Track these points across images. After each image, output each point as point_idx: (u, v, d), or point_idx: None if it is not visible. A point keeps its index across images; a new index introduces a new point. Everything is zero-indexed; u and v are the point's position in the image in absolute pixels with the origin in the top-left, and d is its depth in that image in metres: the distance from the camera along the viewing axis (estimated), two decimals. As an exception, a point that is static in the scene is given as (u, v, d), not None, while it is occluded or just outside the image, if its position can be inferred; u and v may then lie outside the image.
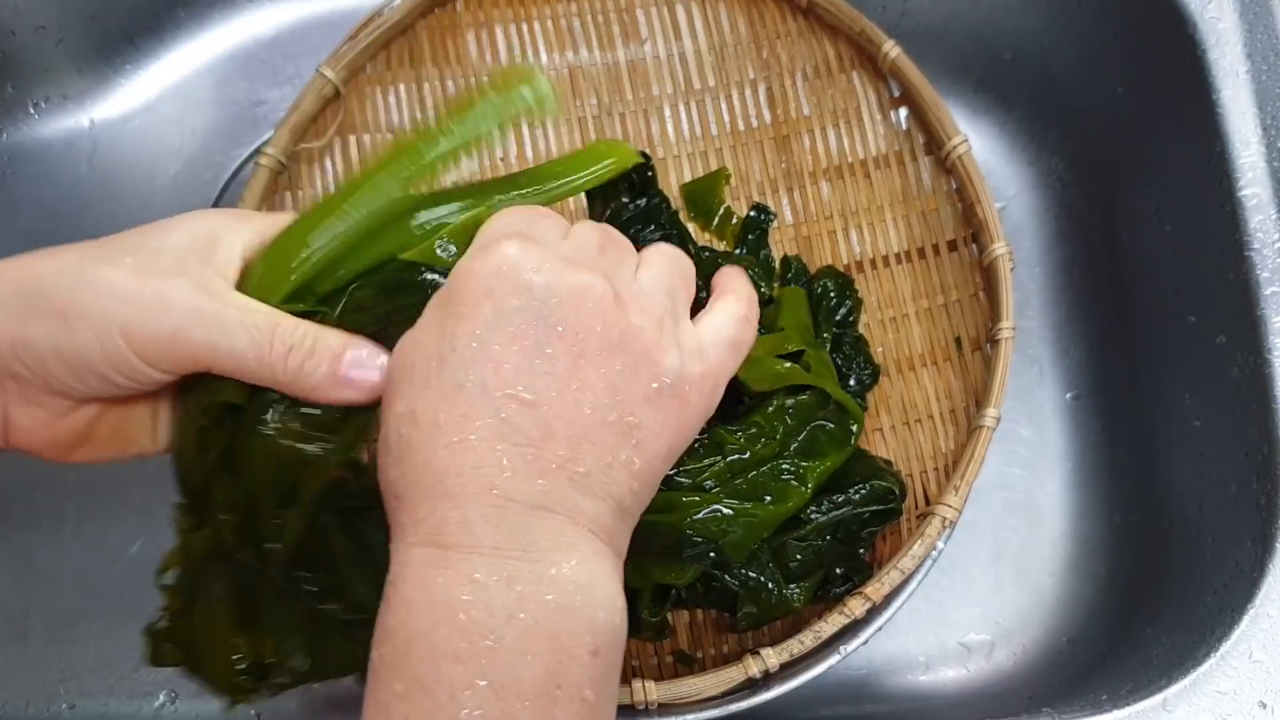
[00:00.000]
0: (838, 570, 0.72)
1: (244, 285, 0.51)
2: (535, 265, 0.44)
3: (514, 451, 0.42)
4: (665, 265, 0.51)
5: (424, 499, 0.42)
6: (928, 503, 0.75)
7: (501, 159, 0.84)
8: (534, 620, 0.40)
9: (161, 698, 0.86)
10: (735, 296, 0.56)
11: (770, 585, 0.69)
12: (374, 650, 0.42)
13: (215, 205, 0.97)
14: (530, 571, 0.40)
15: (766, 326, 0.71)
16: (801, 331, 0.72)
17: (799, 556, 0.71)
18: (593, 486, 0.44)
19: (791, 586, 0.70)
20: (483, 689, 0.38)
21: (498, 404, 0.42)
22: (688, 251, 0.76)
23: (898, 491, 0.72)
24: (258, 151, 0.77)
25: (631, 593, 0.69)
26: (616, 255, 0.49)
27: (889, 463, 0.76)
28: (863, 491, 0.71)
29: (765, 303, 0.76)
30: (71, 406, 0.50)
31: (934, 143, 0.80)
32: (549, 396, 0.43)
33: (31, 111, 1.00)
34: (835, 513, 0.70)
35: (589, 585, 0.42)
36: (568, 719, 0.39)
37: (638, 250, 0.53)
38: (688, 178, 0.84)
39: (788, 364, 0.67)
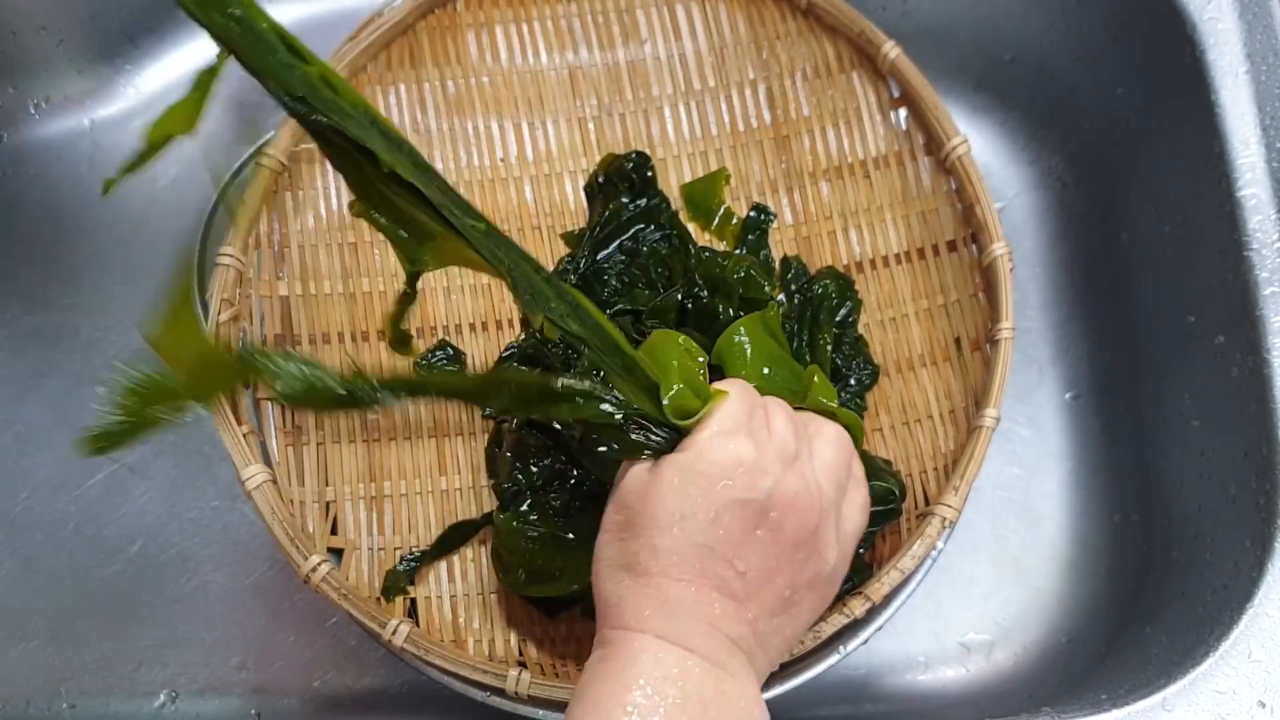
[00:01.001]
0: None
1: None
2: (764, 469, 0.54)
3: (724, 602, 0.54)
4: (836, 458, 0.60)
5: (652, 611, 0.53)
6: (927, 503, 0.75)
7: (502, 159, 0.84)
8: (728, 709, 0.52)
9: (162, 697, 0.86)
10: (861, 483, 0.63)
11: None
12: (591, 686, 0.52)
13: (215, 206, 0.97)
14: (729, 681, 0.52)
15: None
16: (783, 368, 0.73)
17: None
18: (765, 643, 0.56)
19: None
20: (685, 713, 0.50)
21: (719, 566, 0.53)
22: (687, 251, 0.76)
23: (897, 493, 0.72)
24: (258, 152, 0.77)
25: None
26: (805, 449, 0.58)
27: (888, 463, 0.76)
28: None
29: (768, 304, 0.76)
30: None
31: (933, 143, 0.80)
32: (753, 570, 0.54)
33: (32, 112, 1.00)
34: None
35: (760, 705, 0.54)
36: None
37: None
38: (688, 178, 0.84)
39: None
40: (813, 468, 0.58)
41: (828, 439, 0.60)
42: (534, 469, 0.73)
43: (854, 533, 0.61)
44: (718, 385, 0.59)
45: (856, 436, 0.65)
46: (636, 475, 0.56)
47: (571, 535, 0.70)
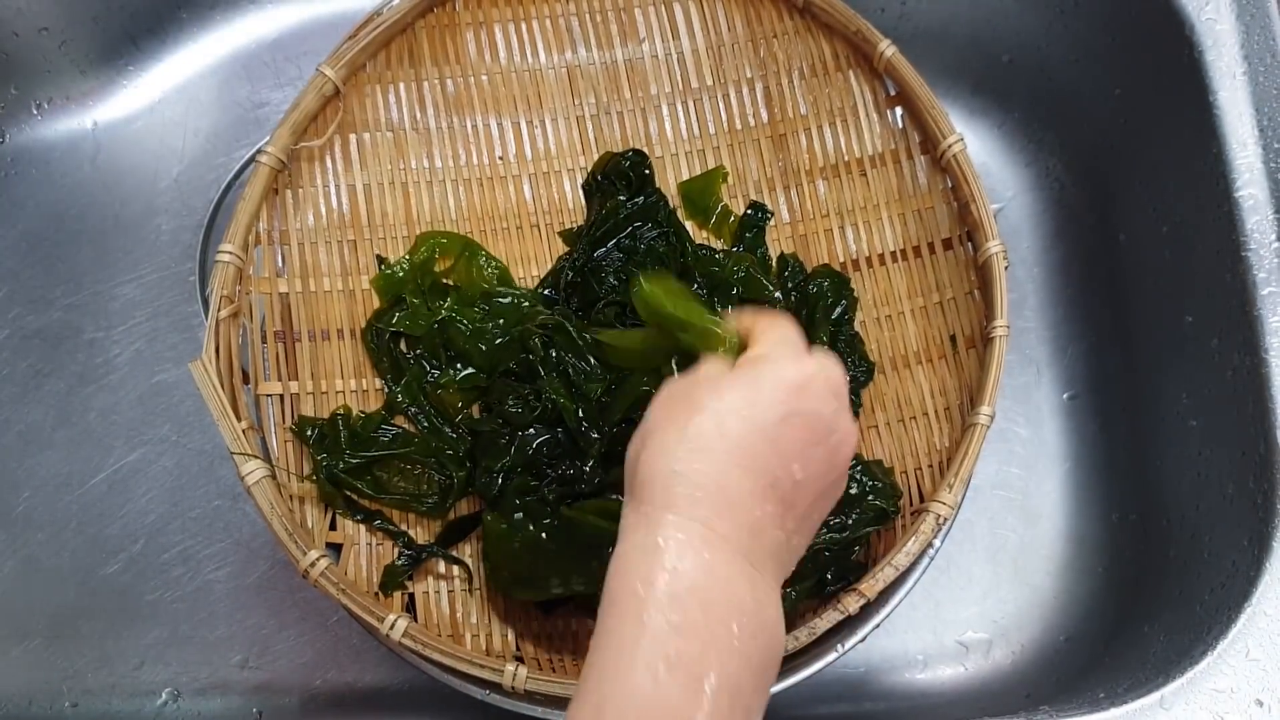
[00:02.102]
0: (829, 574, 0.73)
1: None
2: (835, 393, 0.55)
3: (775, 505, 0.52)
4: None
5: (706, 496, 0.50)
6: (922, 500, 0.75)
7: (501, 157, 0.84)
8: (759, 613, 0.50)
9: (164, 695, 0.86)
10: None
11: None
12: (634, 583, 0.49)
13: (217, 206, 0.97)
14: (761, 585, 0.51)
15: None
16: None
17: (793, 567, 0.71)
18: (789, 556, 0.54)
19: (786, 589, 0.71)
20: (723, 639, 0.48)
21: (780, 466, 0.52)
22: (684, 250, 0.77)
23: (892, 510, 0.73)
24: (260, 151, 0.78)
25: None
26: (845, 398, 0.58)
27: (879, 463, 0.76)
28: (858, 515, 0.72)
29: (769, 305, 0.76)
30: None
31: (929, 142, 0.80)
32: (807, 481, 0.53)
33: (35, 113, 1.01)
34: (835, 535, 0.71)
35: (779, 610, 0.52)
36: (749, 680, 0.48)
37: None
38: (685, 176, 0.84)
39: None
40: (846, 418, 0.57)
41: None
42: (517, 458, 0.74)
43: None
44: (761, 318, 0.59)
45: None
46: (713, 363, 0.57)
47: (555, 547, 0.70)
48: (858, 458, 0.75)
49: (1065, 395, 0.95)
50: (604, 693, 0.46)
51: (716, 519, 0.50)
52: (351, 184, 0.82)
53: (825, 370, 0.55)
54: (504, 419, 0.74)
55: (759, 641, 0.49)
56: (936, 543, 0.72)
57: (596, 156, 0.83)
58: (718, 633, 0.47)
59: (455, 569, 0.75)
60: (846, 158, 0.83)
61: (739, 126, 0.85)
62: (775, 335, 0.57)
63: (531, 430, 0.73)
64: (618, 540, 0.51)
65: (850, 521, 0.72)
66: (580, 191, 0.83)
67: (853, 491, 0.73)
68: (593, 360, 0.73)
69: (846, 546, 0.73)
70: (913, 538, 0.69)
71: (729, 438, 0.51)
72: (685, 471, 0.50)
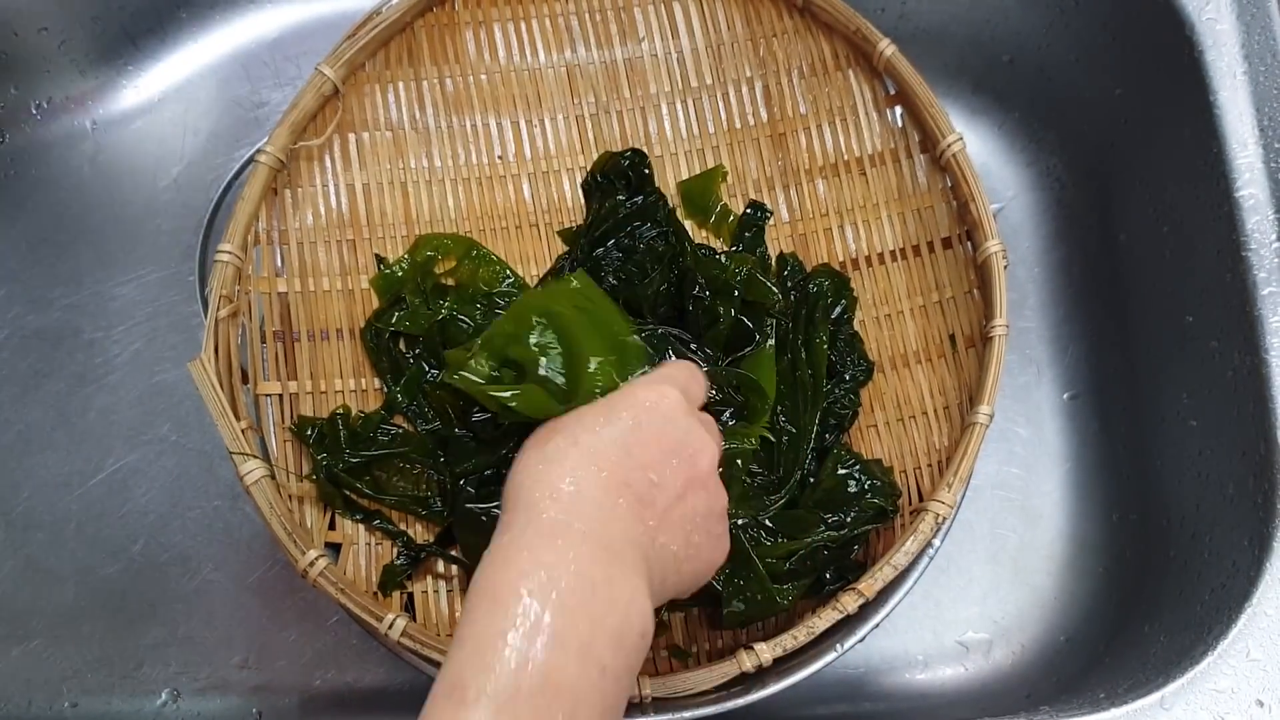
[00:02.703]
0: (828, 573, 0.73)
1: None
2: (686, 411, 0.61)
3: (631, 504, 0.56)
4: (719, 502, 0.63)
5: (560, 495, 0.54)
6: (921, 499, 0.75)
7: (500, 157, 0.84)
8: (612, 595, 0.52)
9: (163, 696, 0.86)
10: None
11: (756, 584, 0.70)
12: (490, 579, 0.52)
13: (217, 206, 0.97)
14: (617, 566, 0.53)
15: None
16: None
17: (791, 566, 0.71)
18: (660, 561, 0.57)
19: (785, 586, 0.71)
20: (575, 617, 0.50)
21: (633, 470, 0.57)
22: (683, 249, 0.76)
23: (891, 509, 0.73)
24: (259, 151, 0.78)
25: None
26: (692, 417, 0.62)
27: (879, 462, 0.76)
28: (857, 514, 0.72)
29: (773, 308, 0.76)
30: None
31: (929, 141, 0.81)
32: (662, 486, 0.57)
33: (34, 113, 1.01)
34: (833, 534, 0.71)
35: (645, 603, 0.54)
36: (619, 662, 0.52)
37: None
38: (684, 175, 0.84)
39: None
40: (709, 456, 0.61)
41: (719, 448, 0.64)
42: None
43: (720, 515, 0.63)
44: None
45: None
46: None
47: None
48: (856, 456, 0.75)
49: (1065, 395, 0.95)
50: (463, 665, 0.48)
51: (569, 513, 0.54)
52: (350, 183, 0.82)
53: (673, 394, 0.61)
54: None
55: (613, 613, 0.52)
56: (936, 542, 0.72)
57: (596, 156, 0.83)
58: (569, 603, 0.50)
59: (454, 568, 0.75)
60: (846, 157, 0.83)
61: (738, 126, 0.85)
62: (651, 376, 0.64)
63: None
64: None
65: (849, 520, 0.73)
66: (579, 191, 0.83)
67: (851, 490, 0.73)
68: None
69: (845, 546, 0.73)
70: (912, 537, 0.69)
71: (581, 447, 0.57)
72: (542, 479, 0.56)
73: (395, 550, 0.74)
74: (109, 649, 0.88)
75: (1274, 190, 0.79)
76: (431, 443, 0.76)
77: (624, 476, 0.56)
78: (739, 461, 0.71)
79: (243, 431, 0.70)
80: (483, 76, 0.85)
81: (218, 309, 0.73)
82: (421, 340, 0.78)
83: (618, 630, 0.52)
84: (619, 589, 0.53)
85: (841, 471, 0.74)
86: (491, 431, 0.72)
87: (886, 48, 0.80)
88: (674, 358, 0.73)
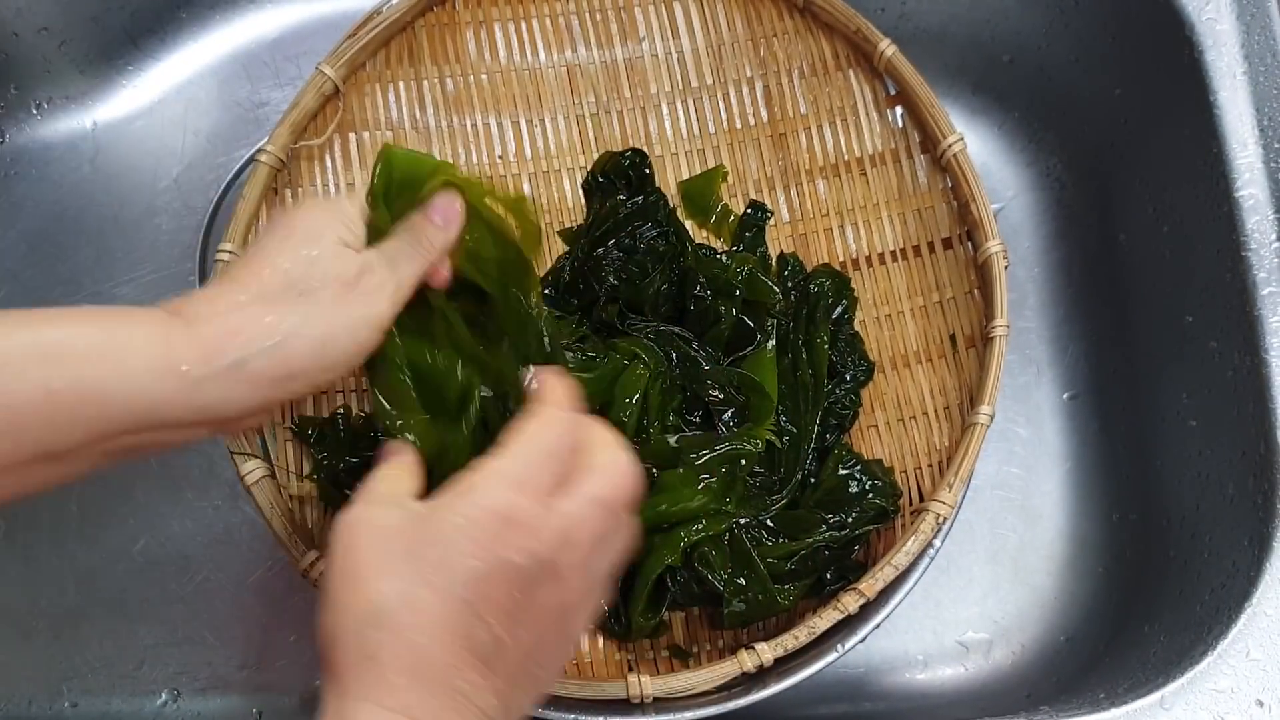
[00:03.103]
0: (829, 574, 0.73)
1: None
2: (541, 536, 0.49)
3: (477, 667, 0.48)
4: (618, 547, 0.54)
5: (396, 670, 0.47)
6: (922, 499, 0.75)
7: (500, 156, 0.84)
8: None
9: (164, 696, 0.86)
10: (623, 526, 0.55)
11: (758, 584, 0.70)
12: None
13: (217, 207, 0.97)
14: None
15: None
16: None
17: (792, 566, 0.71)
18: (513, 710, 0.50)
19: (786, 586, 0.71)
20: None
21: (478, 629, 0.47)
22: (684, 249, 0.77)
23: (892, 509, 0.73)
24: (259, 151, 0.78)
25: (625, 596, 0.70)
26: (600, 542, 0.52)
27: (879, 462, 0.76)
28: (858, 514, 0.72)
29: (774, 308, 0.76)
30: None
31: (929, 141, 0.81)
32: (510, 639, 0.48)
33: (34, 113, 1.01)
34: (834, 534, 0.71)
35: None
36: None
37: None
38: (685, 175, 0.84)
39: None
40: (593, 560, 0.52)
41: (617, 532, 0.54)
42: None
43: (603, 577, 0.55)
44: (537, 404, 0.55)
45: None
46: (400, 507, 0.52)
47: None
48: (857, 457, 0.75)
49: (1065, 395, 0.95)
50: None
51: (414, 705, 0.46)
52: (351, 183, 0.82)
53: (544, 507, 0.50)
54: None
55: None
56: (936, 542, 0.72)
57: (596, 155, 0.83)
58: None
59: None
60: (846, 157, 0.83)
61: (739, 125, 0.85)
62: (513, 446, 0.52)
63: None
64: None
65: (850, 520, 0.73)
66: (580, 191, 0.83)
67: (852, 491, 0.73)
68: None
69: (846, 546, 0.73)
70: (912, 537, 0.69)
71: (419, 611, 0.47)
72: (375, 654, 0.47)
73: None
74: (109, 649, 0.88)
75: (1274, 190, 0.79)
76: None
77: (468, 641, 0.48)
78: (742, 462, 0.71)
79: (243, 431, 0.70)
80: (483, 76, 0.85)
81: (218, 308, 0.73)
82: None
83: None
84: None
85: (842, 472, 0.74)
86: None
87: (887, 48, 0.80)
88: (675, 357, 0.73)
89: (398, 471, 0.55)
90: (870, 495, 0.73)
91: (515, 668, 0.49)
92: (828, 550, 0.72)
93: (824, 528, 0.72)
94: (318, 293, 0.55)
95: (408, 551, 0.48)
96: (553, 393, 0.56)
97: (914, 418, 0.78)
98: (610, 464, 0.53)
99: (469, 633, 0.47)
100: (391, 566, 0.48)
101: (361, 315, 0.56)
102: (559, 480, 0.51)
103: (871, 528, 0.73)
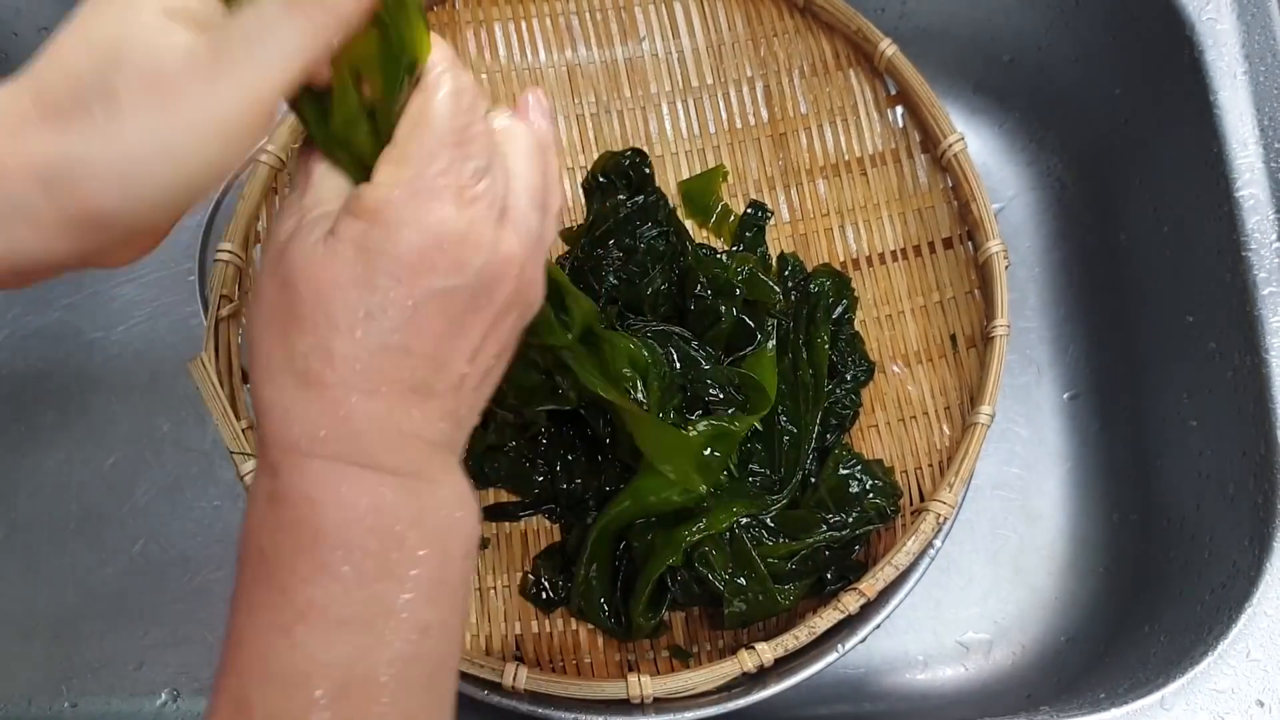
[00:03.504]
0: (829, 574, 0.73)
1: None
2: (475, 243, 0.44)
3: (422, 404, 0.44)
4: (537, 177, 0.49)
5: (329, 431, 0.43)
6: (922, 499, 0.75)
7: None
8: (429, 528, 0.44)
9: (163, 696, 0.86)
10: (554, 187, 0.51)
11: (758, 584, 0.70)
12: (260, 534, 0.44)
13: (217, 206, 0.97)
14: (428, 491, 0.45)
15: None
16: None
17: (793, 566, 0.71)
18: (467, 422, 0.48)
19: (786, 586, 0.71)
20: (388, 577, 0.43)
21: (416, 365, 0.43)
22: (684, 249, 0.77)
23: (892, 509, 0.73)
24: (258, 151, 0.78)
25: (626, 596, 0.70)
26: (501, 168, 0.47)
27: (880, 462, 0.76)
28: (858, 514, 0.72)
29: (774, 308, 0.76)
30: None
31: (930, 140, 0.81)
32: (459, 358, 0.45)
33: (34, 112, 1.00)
34: (834, 534, 0.71)
35: (464, 501, 0.47)
36: (447, 607, 0.45)
37: None
38: (685, 175, 0.84)
39: None
40: (509, 189, 0.47)
41: (528, 149, 0.49)
42: None
43: (547, 248, 0.50)
44: (429, 72, 0.45)
45: None
46: (309, 249, 0.44)
47: None
48: (858, 457, 0.75)
49: (1066, 395, 0.95)
50: (242, 667, 0.43)
51: (348, 451, 0.43)
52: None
53: (467, 205, 0.44)
54: None
55: (433, 546, 0.44)
56: (937, 543, 0.72)
57: (596, 155, 0.83)
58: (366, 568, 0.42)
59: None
60: (847, 157, 0.83)
61: (739, 125, 0.85)
62: (410, 144, 0.44)
63: None
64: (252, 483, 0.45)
65: (850, 520, 0.73)
66: (580, 190, 0.83)
67: (853, 490, 0.73)
68: None
69: (846, 546, 0.73)
70: (913, 537, 0.69)
71: (339, 364, 0.42)
72: (301, 415, 0.43)
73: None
74: (109, 649, 0.88)
75: (1274, 190, 0.79)
76: None
77: (408, 383, 0.44)
78: (723, 444, 0.71)
79: (243, 431, 0.70)
80: (483, 75, 0.85)
81: (218, 308, 0.73)
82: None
83: (440, 568, 0.44)
84: (430, 515, 0.45)
85: (843, 472, 0.74)
86: None
87: (887, 47, 0.80)
88: (675, 356, 0.73)
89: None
90: (870, 495, 0.73)
91: (473, 378, 0.46)
92: (828, 550, 0.72)
93: (824, 528, 0.72)
94: (119, 98, 0.39)
95: (322, 298, 0.43)
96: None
97: (914, 418, 0.78)
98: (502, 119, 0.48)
99: (407, 374, 0.43)
100: (311, 315, 0.43)
101: (196, 123, 0.39)
102: (470, 155, 0.44)
103: (872, 528, 0.73)
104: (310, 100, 0.44)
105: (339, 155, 0.46)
